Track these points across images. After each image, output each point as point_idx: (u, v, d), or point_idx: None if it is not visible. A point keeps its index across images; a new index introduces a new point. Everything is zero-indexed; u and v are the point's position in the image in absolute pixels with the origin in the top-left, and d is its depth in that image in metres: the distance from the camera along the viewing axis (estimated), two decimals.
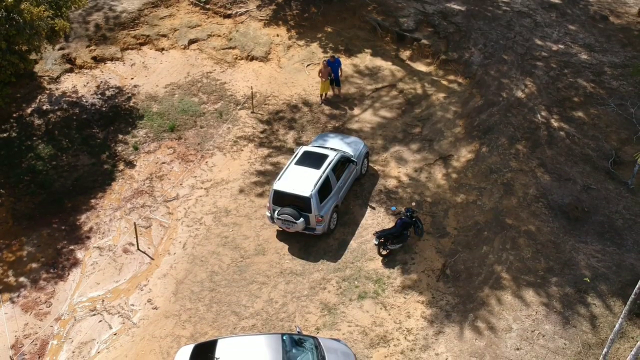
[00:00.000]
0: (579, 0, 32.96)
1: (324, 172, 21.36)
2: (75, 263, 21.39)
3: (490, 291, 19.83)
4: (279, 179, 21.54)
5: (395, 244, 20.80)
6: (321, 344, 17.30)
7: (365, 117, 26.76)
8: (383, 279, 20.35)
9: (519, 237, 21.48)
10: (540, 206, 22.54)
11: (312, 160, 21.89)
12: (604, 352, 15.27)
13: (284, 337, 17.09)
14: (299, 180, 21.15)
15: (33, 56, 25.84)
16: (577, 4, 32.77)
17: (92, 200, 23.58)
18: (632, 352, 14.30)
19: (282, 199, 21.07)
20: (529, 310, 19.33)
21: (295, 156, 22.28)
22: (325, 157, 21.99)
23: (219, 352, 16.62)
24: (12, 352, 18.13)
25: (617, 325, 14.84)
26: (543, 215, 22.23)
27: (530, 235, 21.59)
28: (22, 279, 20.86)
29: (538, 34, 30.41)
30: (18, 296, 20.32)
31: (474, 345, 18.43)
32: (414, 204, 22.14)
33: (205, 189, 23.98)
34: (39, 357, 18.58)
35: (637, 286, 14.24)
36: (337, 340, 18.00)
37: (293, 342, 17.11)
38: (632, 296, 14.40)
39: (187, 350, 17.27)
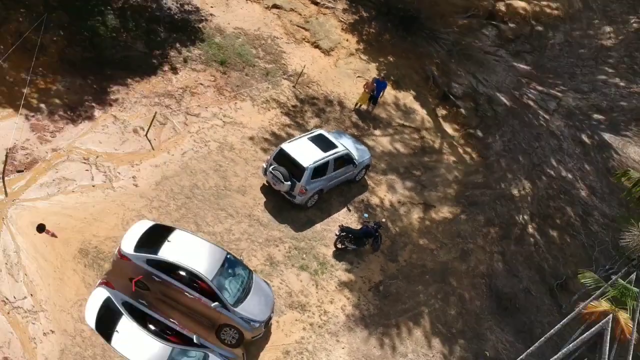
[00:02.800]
0: (605, 149, 35.66)
1: (327, 156, 23.67)
2: (90, 117, 23.59)
3: (406, 320, 22.02)
4: (289, 142, 23.86)
5: (352, 245, 23.02)
6: (254, 277, 19.45)
7: (382, 141, 29.18)
8: (327, 265, 22.55)
9: (452, 295, 23.75)
10: (482, 282, 24.87)
11: (323, 143, 24.27)
12: None
13: (229, 256, 19.25)
14: (305, 151, 23.46)
15: None
16: (602, 152, 35.44)
17: (129, 79, 25.83)
18: None
19: (282, 159, 23.32)
20: (429, 351, 21.51)
21: (311, 133, 24.68)
22: (334, 146, 24.39)
23: (172, 237, 18.73)
24: (6, 152, 20.20)
25: None
26: (481, 290, 24.54)
27: (462, 299, 23.85)
28: (42, 105, 23.05)
29: (557, 156, 32.98)
30: (32, 116, 22.48)
31: (371, 351, 20.59)
32: (384, 220, 24.44)
33: (223, 121, 26.25)
34: (25, 169, 20.68)
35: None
36: (267, 283, 20.12)
37: (233, 263, 19.25)
38: None
39: (146, 223, 19.41)
